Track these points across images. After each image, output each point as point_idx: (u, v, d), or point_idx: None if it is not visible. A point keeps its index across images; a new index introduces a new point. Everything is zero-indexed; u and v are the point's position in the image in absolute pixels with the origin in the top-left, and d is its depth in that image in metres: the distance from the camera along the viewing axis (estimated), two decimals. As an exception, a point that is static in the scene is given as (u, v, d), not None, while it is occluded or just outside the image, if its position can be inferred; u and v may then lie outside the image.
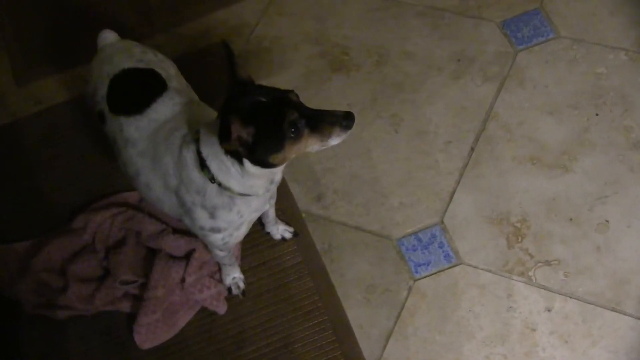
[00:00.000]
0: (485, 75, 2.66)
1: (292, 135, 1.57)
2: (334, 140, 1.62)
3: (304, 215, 2.45)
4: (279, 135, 1.56)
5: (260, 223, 2.35)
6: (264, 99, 1.58)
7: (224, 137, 1.52)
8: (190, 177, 1.75)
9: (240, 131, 1.52)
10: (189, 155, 1.73)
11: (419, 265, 2.32)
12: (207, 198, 1.76)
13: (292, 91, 1.63)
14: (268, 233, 2.38)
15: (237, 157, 1.62)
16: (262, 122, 1.55)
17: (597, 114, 2.52)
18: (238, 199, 1.76)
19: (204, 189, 1.75)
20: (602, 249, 2.27)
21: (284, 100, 1.59)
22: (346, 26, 2.84)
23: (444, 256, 2.32)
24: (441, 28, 2.79)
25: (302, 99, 1.64)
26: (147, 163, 1.87)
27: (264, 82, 2.62)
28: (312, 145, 1.62)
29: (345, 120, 1.60)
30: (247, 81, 1.64)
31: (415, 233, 2.38)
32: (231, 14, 2.93)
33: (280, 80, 2.72)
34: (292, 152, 1.61)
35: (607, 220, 2.31)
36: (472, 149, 2.51)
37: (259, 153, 1.58)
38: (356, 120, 1.62)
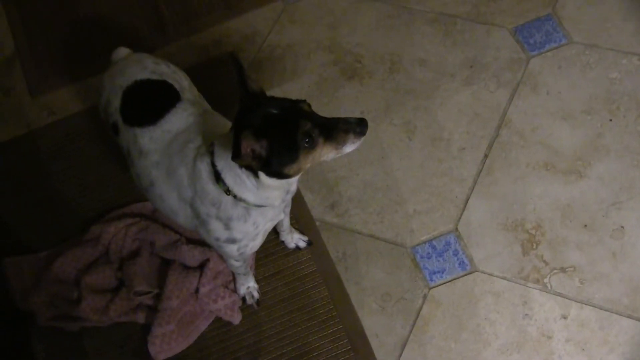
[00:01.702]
0: (499, 81, 2.65)
1: (307, 146, 1.57)
2: (349, 147, 1.61)
3: (318, 223, 2.45)
4: (294, 146, 1.56)
5: (274, 232, 2.35)
6: (276, 111, 1.58)
7: (236, 154, 1.52)
8: (205, 189, 1.75)
9: (254, 145, 1.53)
10: (204, 168, 1.73)
11: (434, 273, 2.32)
12: (222, 210, 1.76)
13: (304, 101, 1.63)
14: (282, 242, 2.38)
15: (252, 170, 1.62)
16: (275, 134, 1.55)
17: (610, 119, 2.50)
18: (253, 210, 1.76)
19: (219, 201, 1.75)
20: (618, 255, 2.25)
21: (296, 111, 1.59)
22: (359, 34, 2.84)
23: (459, 264, 2.32)
24: (453, 35, 2.79)
25: (315, 107, 1.64)
26: (161, 174, 1.87)
27: (277, 90, 2.69)
28: (327, 154, 1.62)
29: (358, 126, 1.60)
30: (258, 93, 1.64)
31: (429, 240, 2.38)
32: (243, 22, 2.94)
33: (293, 88, 2.73)
34: (307, 162, 1.61)
35: (622, 226, 2.30)
36: (486, 156, 2.50)
37: (274, 165, 1.58)
38: (369, 127, 1.62)
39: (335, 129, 1.59)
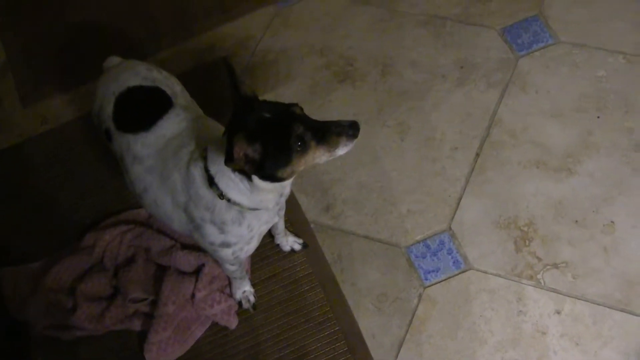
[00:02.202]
0: (489, 81, 2.68)
1: (299, 149, 1.58)
2: (341, 150, 1.63)
3: (313, 226, 2.46)
4: (286, 150, 1.58)
5: (269, 235, 2.36)
6: (268, 115, 1.59)
7: (229, 158, 1.53)
8: (199, 194, 1.76)
9: (246, 149, 1.54)
10: (197, 172, 1.74)
11: (429, 272, 2.34)
12: (216, 214, 1.78)
13: (296, 104, 1.64)
14: (277, 245, 2.39)
15: (246, 174, 1.63)
16: (268, 138, 1.56)
17: (599, 117, 2.54)
18: (248, 213, 1.78)
19: (213, 205, 1.76)
20: (609, 250, 2.28)
21: (289, 115, 1.60)
22: (351, 37, 2.87)
23: (453, 262, 2.34)
24: (444, 36, 2.82)
25: (308, 111, 1.65)
26: (155, 179, 1.88)
27: (270, 94, 2.72)
28: (320, 157, 1.63)
29: (351, 129, 1.61)
30: (251, 97, 1.65)
31: (424, 240, 2.40)
32: (237, 27, 2.97)
33: (286, 92, 2.75)
34: (300, 165, 1.62)
35: (613, 222, 2.33)
36: (478, 155, 2.53)
37: (268, 168, 1.59)
38: (362, 130, 1.63)
39: (328, 132, 1.61)
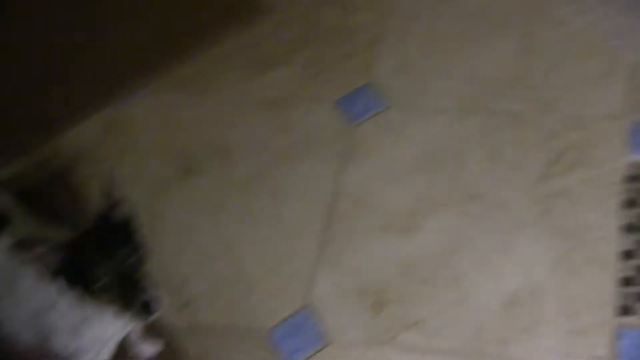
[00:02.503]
0: (328, 154, 2.77)
1: (95, 292, 1.60)
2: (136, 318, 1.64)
3: (171, 326, 2.43)
4: (85, 285, 1.60)
5: (125, 343, 2.30)
6: (101, 248, 1.59)
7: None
8: (48, 294, 1.73)
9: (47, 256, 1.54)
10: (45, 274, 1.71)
11: (293, 354, 2.34)
12: (65, 314, 1.75)
13: (136, 264, 1.64)
14: (136, 353, 2.33)
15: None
16: (80, 264, 1.57)
17: (435, 174, 2.67)
18: (97, 316, 1.75)
19: (59, 305, 1.74)
20: (458, 302, 2.37)
21: (112, 264, 1.60)
22: (188, 130, 2.91)
23: (314, 338, 2.36)
24: (279, 117, 2.91)
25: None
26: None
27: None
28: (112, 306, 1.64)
29: (143, 308, 1.64)
30: (117, 224, 1.66)
31: (284, 321, 2.41)
32: (71, 137, 2.93)
33: (128, 196, 2.73)
34: (97, 302, 1.64)
35: (459, 274, 2.43)
36: (326, 228, 2.59)
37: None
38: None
39: (129, 297, 1.63)
